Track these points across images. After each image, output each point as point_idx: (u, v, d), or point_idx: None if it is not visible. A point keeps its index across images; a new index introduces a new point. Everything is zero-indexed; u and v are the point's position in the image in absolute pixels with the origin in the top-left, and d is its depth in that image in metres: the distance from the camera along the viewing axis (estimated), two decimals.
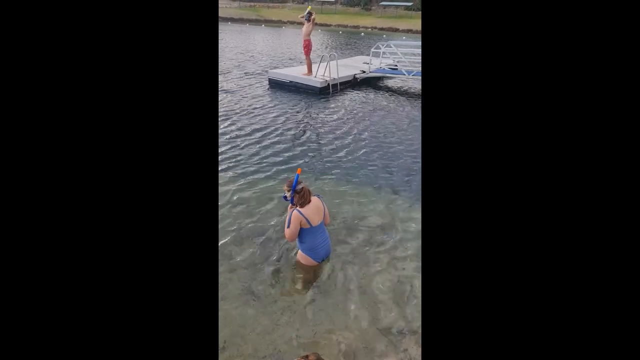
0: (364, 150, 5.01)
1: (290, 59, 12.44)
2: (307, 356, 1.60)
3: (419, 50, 8.51)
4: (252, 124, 5.83)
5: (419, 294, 2.39)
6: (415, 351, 2.03)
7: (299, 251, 2.64)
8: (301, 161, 4.57)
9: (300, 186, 2.46)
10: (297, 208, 2.47)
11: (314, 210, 2.50)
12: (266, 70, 9.51)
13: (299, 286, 2.53)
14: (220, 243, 2.86)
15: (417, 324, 2.20)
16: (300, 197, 2.46)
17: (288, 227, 2.47)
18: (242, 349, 2.01)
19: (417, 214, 3.37)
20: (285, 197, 2.54)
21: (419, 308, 2.29)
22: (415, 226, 3.20)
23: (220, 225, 3.06)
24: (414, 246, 2.93)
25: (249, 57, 12.25)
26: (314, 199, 2.54)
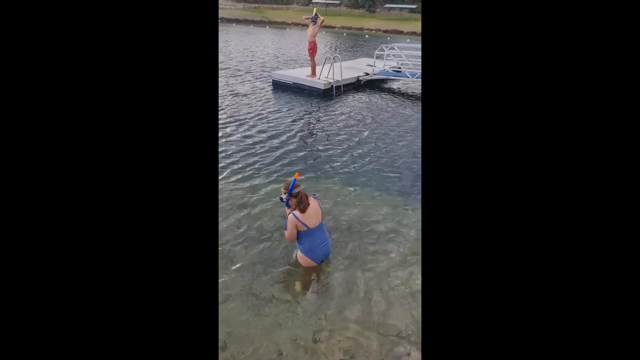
0: (368, 152, 5.01)
1: (297, 60, 12.46)
2: None
3: None
4: (257, 125, 5.84)
5: (419, 296, 2.39)
6: (415, 353, 2.03)
7: (298, 252, 2.65)
8: (301, 158, 4.58)
9: (296, 190, 2.46)
10: (293, 212, 2.48)
11: (311, 213, 2.50)
12: (267, 70, 9.51)
13: (298, 287, 2.54)
14: (220, 243, 2.88)
15: (417, 325, 2.20)
16: (297, 201, 2.46)
17: (285, 229, 2.52)
18: (242, 349, 2.02)
19: (419, 217, 3.37)
20: (281, 199, 2.55)
21: (419, 310, 2.29)
22: (416, 228, 3.20)
23: (221, 227, 3.08)
24: (415, 248, 2.93)
25: (257, 59, 12.28)
26: (311, 201, 2.55)
